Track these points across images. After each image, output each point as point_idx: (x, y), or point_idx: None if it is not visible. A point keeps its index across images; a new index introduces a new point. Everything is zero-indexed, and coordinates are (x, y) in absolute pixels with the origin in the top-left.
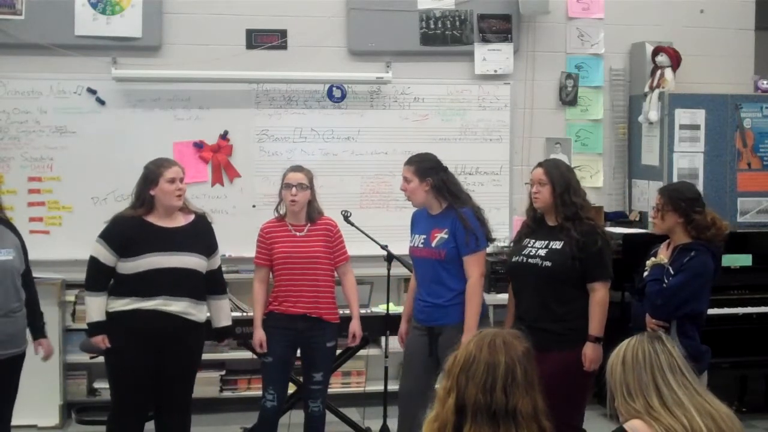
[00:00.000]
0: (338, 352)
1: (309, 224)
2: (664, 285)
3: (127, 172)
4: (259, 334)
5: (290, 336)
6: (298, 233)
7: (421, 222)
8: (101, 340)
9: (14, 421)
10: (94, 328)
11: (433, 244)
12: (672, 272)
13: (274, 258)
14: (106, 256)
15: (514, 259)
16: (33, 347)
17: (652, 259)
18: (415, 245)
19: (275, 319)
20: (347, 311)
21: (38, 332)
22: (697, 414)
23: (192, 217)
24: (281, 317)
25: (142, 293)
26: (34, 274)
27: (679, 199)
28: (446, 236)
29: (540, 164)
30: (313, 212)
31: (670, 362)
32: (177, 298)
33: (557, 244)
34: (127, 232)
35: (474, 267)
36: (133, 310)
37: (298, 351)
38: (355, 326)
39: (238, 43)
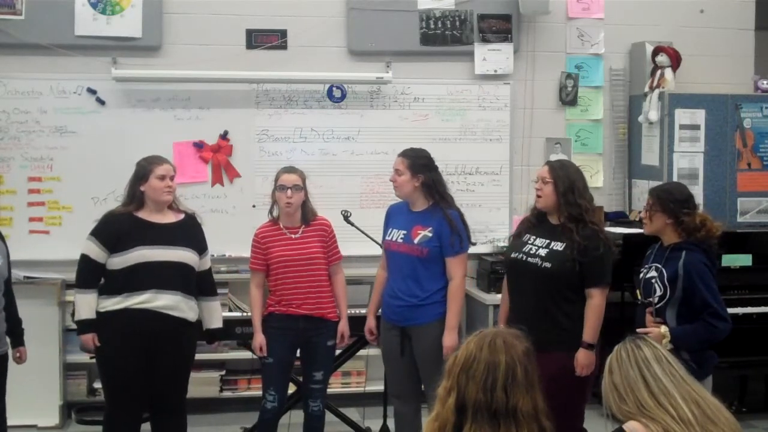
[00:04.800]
0: (337, 352)
1: (303, 225)
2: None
3: (127, 172)
4: (260, 339)
5: (291, 336)
6: (293, 235)
7: (400, 217)
8: (90, 339)
9: (14, 421)
10: (83, 326)
11: (416, 241)
12: (665, 273)
13: (271, 262)
14: (97, 253)
15: (513, 255)
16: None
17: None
18: (393, 239)
19: (276, 319)
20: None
21: (18, 341)
22: (683, 401)
23: (182, 215)
24: (282, 317)
25: (131, 288)
26: (34, 275)
27: (668, 200)
28: (430, 235)
29: (547, 162)
30: (307, 213)
31: (655, 354)
32: (168, 291)
33: (558, 246)
34: (118, 228)
35: (457, 268)
36: (123, 309)
37: (298, 351)
38: (343, 326)
39: (238, 43)
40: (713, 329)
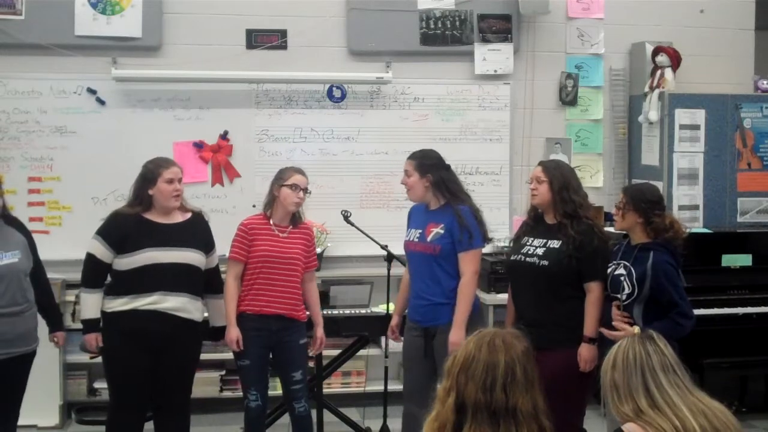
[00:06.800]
0: (337, 352)
1: (291, 227)
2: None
3: (127, 172)
4: (235, 332)
5: (264, 336)
6: (280, 234)
7: (418, 217)
8: (94, 338)
9: None
10: (88, 326)
11: (429, 239)
12: (633, 272)
13: (253, 255)
14: (103, 252)
15: (512, 258)
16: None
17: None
18: (411, 239)
19: (249, 320)
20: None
21: (55, 325)
22: (690, 414)
23: (189, 214)
24: (255, 318)
25: (139, 289)
26: None
27: (641, 200)
28: (442, 231)
29: (540, 162)
30: (297, 217)
31: (662, 362)
32: (175, 293)
33: (555, 243)
34: (125, 229)
35: (468, 264)
36: (129, 311)
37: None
38: (320, 332)
39: (238, 43)
40: (679, 327)
